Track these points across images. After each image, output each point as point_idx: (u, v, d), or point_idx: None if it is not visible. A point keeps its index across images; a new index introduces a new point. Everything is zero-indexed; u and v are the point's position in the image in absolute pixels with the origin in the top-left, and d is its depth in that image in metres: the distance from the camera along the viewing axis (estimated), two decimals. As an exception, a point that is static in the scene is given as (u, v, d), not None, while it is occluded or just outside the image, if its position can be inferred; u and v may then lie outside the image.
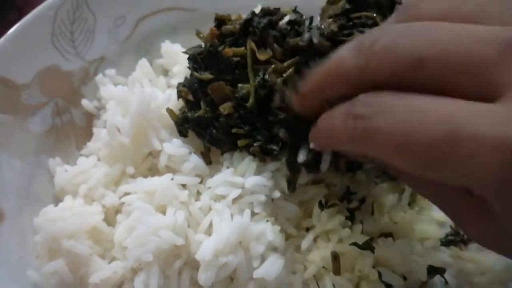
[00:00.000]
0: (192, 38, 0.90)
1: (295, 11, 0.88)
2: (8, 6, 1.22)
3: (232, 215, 0.77)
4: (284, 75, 0.78)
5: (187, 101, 0.87)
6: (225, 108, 0.80)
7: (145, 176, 0.85)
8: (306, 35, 0.81)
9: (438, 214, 0.88)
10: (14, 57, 0.91)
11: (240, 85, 0.80)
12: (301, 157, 0.78)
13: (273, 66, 0.80)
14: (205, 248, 0.73)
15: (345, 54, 0.51)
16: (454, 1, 0.48)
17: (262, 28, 0.82)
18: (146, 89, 0.88)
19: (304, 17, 0.87)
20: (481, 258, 0.82)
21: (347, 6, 0.84)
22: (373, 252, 0.76)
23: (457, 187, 0.47)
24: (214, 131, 0.82)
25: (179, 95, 0.88)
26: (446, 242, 0.85)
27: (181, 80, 0.91)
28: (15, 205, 0.86)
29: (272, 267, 0.75)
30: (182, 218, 0.78)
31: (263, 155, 0.81)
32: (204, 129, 0.84)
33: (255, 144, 0.80)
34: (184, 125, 0.86)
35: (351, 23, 0.82)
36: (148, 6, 1.02)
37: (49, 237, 0.79)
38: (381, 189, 0.87)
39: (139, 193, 0.81)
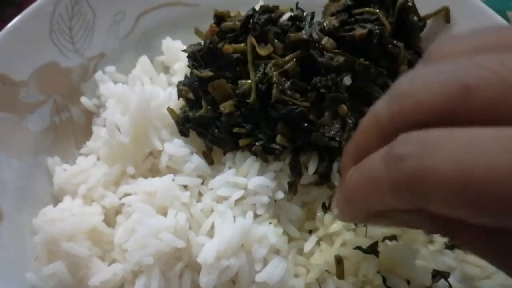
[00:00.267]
0: (193, 34, 0.89)
1: (297, 7, 0.88)
2: (6, 1, 1.20)
3: (234, 217, 0.76)
4: (285, 67, 0.77)
5: (187, 100, 0.86)
6: (225, 106, 0.79)
7: (146, 177, 0.84)
8: (307, 30, 0.80)
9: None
10: (11, 53, 0.89)
11: (241, 81, 0.79)
12: (311, 168, 0.77)
13: (273, 60, 0.79)
14: (207, 251, 0.72)
15: (379, 104, 0.44)
16: (474, 36, 0.42)
17: (262, 24, 0.81)
18: (146, 87, 0.87)
19: (305, 13, 0.86)
20: (486, 262, 0.81)
21: (349, 2, 0.83)
22: (377, 256, 0.75)
23: None
24: (216, 130, 0.81)
25: (180, 94, 0.87)
26: (451, 246, 0.84)
27: (182, 77, 0.90)
28: (13, 205, 0.85)
29: (274, 270, 0.74)
30: (183, 220, 0.76)
31: (265, 155, 0.80)
32: (205, 128, 0.83)
33: (257, 143, 0.79)
34: (185, 124, 0.84)
35: (353, 19, 0.81)
36: (148, 1, 1.00)
37: (48, 238, 0.77)
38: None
39: (139, 194, 0.80)
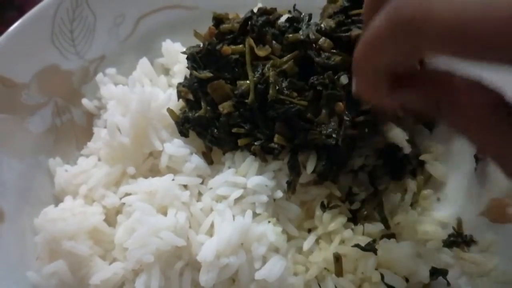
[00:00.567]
0: (193, 36, 0.90)
1: (294, 9, 0.89)
2: (7, 4, 1.22)
3: (233, 216, 0.77)
4: (283, 67, 0.78)
5: (187, 101, 0.87)
6: (224, 107, 0.80)
7: (146, 177, 0.85)
8: (304, 31, 0.81)
9: (440, 215, 0.88)
10: (13, 56, 0.90)
11: (239, 82, 0.80)
12: (310, 167, 0.78)
13: (271, 61, 0.80)
14: (207, 249, 0.73)
15: None
16: None
17: (260, 25, 0.82)
18: (146, 89, 0.88)
19: (303, 15, 0.87)
20: (484, 259, 0.82)
21: (346, 3, 0.84)
22: (375, 253, 0.75)
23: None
24: (215, 130, 0.82)
25: (179, 95, 0.87)
26: (449, 243, 0.84)
27: (182, 79, 0.91)
28: (15, 206, 0.86)
29: (273, 268, 0.74)
30: (183, 219, 0.77)
31: (264, 154, 0.81)
32: (205, 129, 0.83)
33: (256, 143, 0.80)
34: (185, 125, 0.85)
35: (349, 20, 0.82)
36: (148, 4, 1.01)
37: (50, 238, 0.78)
38: (384, 191, 0.86)
39: (140, 194, 0.81)
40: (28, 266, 0.81)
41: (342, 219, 0.80)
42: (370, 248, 0.76)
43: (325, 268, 0.77)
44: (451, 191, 0.89)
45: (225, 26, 0.85)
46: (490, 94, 0.49)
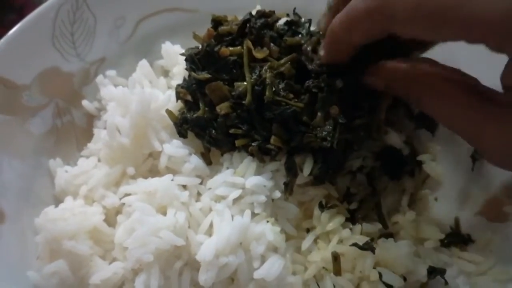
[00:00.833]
0: (192, 39, 0.91)
1: (294, 12, 0.89)
2: (8, 7, 1.23)
3: (232, 216, 0.78)
4: (280, 69, 0.79)
5: (185, 102, 0.88)
6: (222, 108, 0.81)
7: (146, 177, 0.85)
8: (303, 35, 0.82)
9: (438, 214, 0.89)
10: (14, 58, 0.91)
11: (237, 83, 0.81)
12: (306, 170, 0.79)
13: (269, 63, 0.80)
14: (206, 249, 0.73)
15: None
16: None
17: (259, 28, 0.83)
18: (146, 90, 0.89)
19: (303, 19, 0.88)
20: (481, 258, 0.82)
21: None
22: (373, 252, 0.76)
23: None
24: (213, 131, 0.83)
25: (178, 96, 0.88)
26: (447, 243, 0.85)
27: (181, 81, 0.91)
28: (15, 206, 0.87)
29: (272, 267, 0.75)
30: (182, 219, 0.78)
31: (262, 155, 0.81)
32: (203, 129, 0.84)
33: (253, 144, 0.80)
34: (183, 126, 0.86)
35: None
36: (148, 6, 1.02)
37: (50, 238, 0.79)
38: (381, 190, 0.87)
39: (139, 194, 0.81)
40: (28, 265, 0.82)
41: (340, 219, 0.80)
42: (368, 247, 0.76)
43: (323, 267, 0.77)
44: (449, 191, 0.89)
45: (223, 28, 0.86)
46: (467, 81, 0.62)
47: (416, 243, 0.82)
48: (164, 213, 0.79)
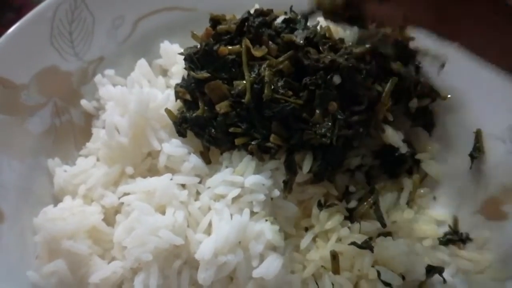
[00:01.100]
0: (190, 38, 0.91)
1: (290, 10, 0.89)
2: (6, 6, 1.22)
3: (231, 215, 0.78)
4: (279, 67, 0.79)
5: (185, 101, 0.88)
6: (221, 107, 0.81)
7: (144, 176, 0.85)
8: (300, 32, 0.82)
9: (436, 213, 0.89)
10: (13, 58, 0.91)
11: (236, 81, 0.81)
12: (306, 167, 0.79)
13: (267, 61, 0.81)
14: (205, 248, 0.73)
15: None
16: None
17: (257, 26, 0.83)
18: (144, 89, 0.89)
19: (299, 17, 0.88)
20: (480, 256, 0.82)
21: None
22: (372, 251, 0.76)
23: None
24: (213, 130, 0.83)
25: (177, 95, 0.88)
26: (445, 241, 0.85)
27: (180, 80, 0.91)
28: (14, 206, 0.87)
29: (271, 266, 0.75)
30: (181, 218, 0.78)
31: (261, 153, 0.81)
32: (202, 128, 0.84)
33: (252, 143, 0.80)
34: (182, 125, 0.86)
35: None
36: (146, 6, 1.02)
37: (49, 237, 0.79)
38: (380, 189, 0.87)
39: (138, 193, 0.82)
40: (28, 265, 0.82)
41: (339, 218, 0.80)
42: (366, 245, 0.76)
43: (322, 266, 0.78)
44: (447, 190, 0.89)
45: (222, 27, 0.85)
46: None
47: (414, 242, 0.83)
48: (163, 212, 0.79)
